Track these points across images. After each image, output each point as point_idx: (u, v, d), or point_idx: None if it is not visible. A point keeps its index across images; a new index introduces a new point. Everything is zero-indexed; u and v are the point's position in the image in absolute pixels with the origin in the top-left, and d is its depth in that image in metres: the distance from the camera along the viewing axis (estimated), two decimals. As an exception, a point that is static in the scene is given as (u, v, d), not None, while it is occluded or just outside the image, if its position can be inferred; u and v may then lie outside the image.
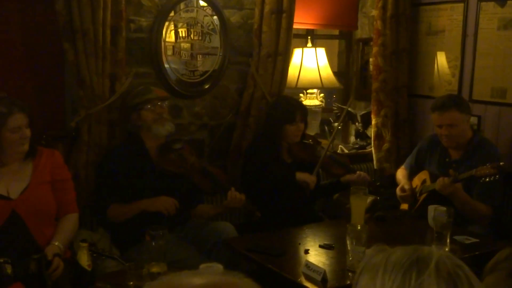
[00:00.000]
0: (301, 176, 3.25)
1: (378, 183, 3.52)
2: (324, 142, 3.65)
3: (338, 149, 4.34)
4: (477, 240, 2.76)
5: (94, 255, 2.40)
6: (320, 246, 2.64)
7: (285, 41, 3.60)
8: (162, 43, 3.38)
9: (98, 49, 2.98)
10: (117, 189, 2.94)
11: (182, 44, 3.49)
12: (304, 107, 3.53)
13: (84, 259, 2.06)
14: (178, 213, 2.97)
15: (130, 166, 2.98)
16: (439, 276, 0.90)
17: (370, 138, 4.30)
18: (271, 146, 3.37)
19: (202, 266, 1.98)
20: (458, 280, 0.91)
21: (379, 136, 4.18)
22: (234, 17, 3.61)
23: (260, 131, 3.54)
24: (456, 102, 3.24)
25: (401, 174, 3.60)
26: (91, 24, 2.93)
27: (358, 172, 3.36)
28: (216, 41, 3.57)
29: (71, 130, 3.08)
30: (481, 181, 2.93)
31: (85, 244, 2.07)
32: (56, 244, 2.38)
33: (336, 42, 4.83)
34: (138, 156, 3.02)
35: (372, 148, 4.23)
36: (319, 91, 4.21)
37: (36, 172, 2.51)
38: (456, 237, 2.72)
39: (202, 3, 3.50)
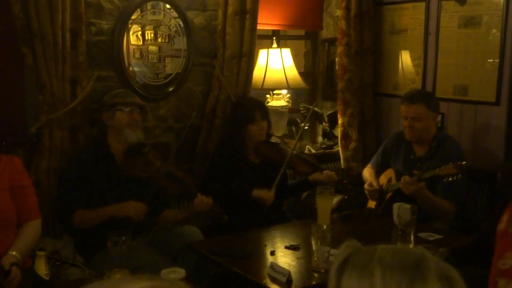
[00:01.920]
0: (258, 193, 3.22)
1: (345, 181, 3.53)
2: (292, 143, 3.65)
3: (305, 149, 4.34)
4: (441, 236, 2.79)
5: (57, 263, 2.34)
6: (286, 247, 2.64)
7: (249, 42, 3.59)
8: (125, 45, 3.34)
9: (58, 52, 2.93)
10: (82, 195, 2.89)
11: (149, 47, 3.45)
12: (263, 106, 3.53)
13: (41, 268, 2.01)
14: (144, 218, 2.93)
15: (95, 170, 2.94)
16: (440, 280, 0.91)
17: (337, 137, 4.32)
18: (236, 148, 3.36)
19: (163, 271, 1.96)
20: (455, 283, 0.93)
21: (345, 136, 4.20)
22: (197, 18, 3.58)
23: (225, 134, 3.53)
24: (425, 97, 3.29)
25: (367, 172, 3.63)
26: (50, 27, 2.87)
27: (325, 171, 3.36)
28: (180, 43, 3.54)
29: (32, 136, 3.02)
30: (444, 180, 2.97)
31: (42, 253, 2.02)
32: (14, 253, 2.32)
33: (302, 43, 4.84)
34: (103, 160, 2.98)
35: (339, 148, 4.25)
36: (287, 91, 4.22)
37: None
38: (420, 234, 2.75)
39: (166, 5, 3.46)
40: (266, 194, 3.22)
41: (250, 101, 3.50)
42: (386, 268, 0.92)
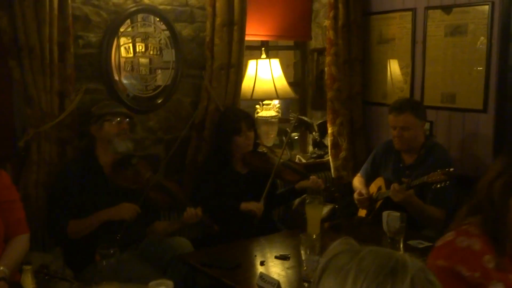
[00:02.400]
0: (246, 205, 3.21)
1: (333, 189, 3.54)
2: (280, 152, 3.66)
3: (296, 159, 4.35)
4: (431, 244, 2.78)
5: (46, 277, 2.33)
6: (276, 257, 2.63)
7: (237, 53, 3.60)
8: (113, 58, 3.35)
9: (45, 66, 2.93)
10: (73, 206, 2.89)
11: (140, 59, 3.46)
12: (249, 116, 3.53)
13: (28, 283, 2.00)
14: (134, 230, 2.93)
15: (84, 183, 2.93)
16: (416, 286, 0.90)
17: (327, 147, 4.33)
18: (224, 159, 3.36)
19: (151, 283, 1.95)
20: None
21: (335, 145, 4.22)
22: (185, 30, 3.60)
23: (212, 145, 3.53)
24: (413, 106, 3.31)
25: (357, 181, 3.64)
26: (37, 40, 2.88)
27: (311, 177, 3.36)
28: (168, 55, 3.55)
29: (20, 150, 3.01)
30: (433, 187, 2.99)
31: (28, 267, 2.01)
32: (1, 268, 2.30)
33: (291, 53, 4.86)
34: (92, 172, 2.98)
35: (329, 157, 4.26)
36: (279, 101, 4.23)
37: None
38: (410, 242, 2.75)
39: (157, 19, 3.48)
40: (255, 206, 3.20)
41: (235, 112, 3.50)
42: (361, 271, 0.92)
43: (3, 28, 2.84)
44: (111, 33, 3.29)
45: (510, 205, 1.66)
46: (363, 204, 3.42)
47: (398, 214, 2.66)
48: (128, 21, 3.38)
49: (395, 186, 3.07)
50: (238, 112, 3.50)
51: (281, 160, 3.38)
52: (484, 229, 1.68)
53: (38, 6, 2.86)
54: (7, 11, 2.83)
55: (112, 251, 2.24)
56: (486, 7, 3.47)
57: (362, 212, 3.49)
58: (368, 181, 3.56)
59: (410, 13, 3.92)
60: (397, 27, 4.04)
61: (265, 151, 3.49)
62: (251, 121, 3.46)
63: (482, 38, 3.51)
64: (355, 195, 3.46)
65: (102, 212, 2.88)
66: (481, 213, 1.72)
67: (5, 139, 3.10)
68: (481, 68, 3.54)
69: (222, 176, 3.32)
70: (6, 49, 2.88)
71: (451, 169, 2.92)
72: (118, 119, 3.03)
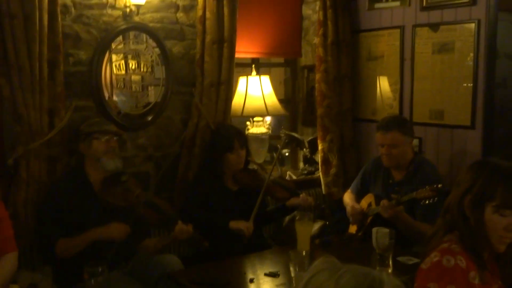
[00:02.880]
0: (236, 224, 3.19)
1: (323, 206, 3.54)
2: (270, 168, 3.67)
3: (286, 176, 4.36)
4: (420, 260, 2.79)
5: (34, 296, 2.32)
6: (266, 274, 2.63)
7: (227, 70, 3.63)
8: (104, 75, 3.36)
9: (35, 83, 2.93)
10: (62, 225, 2.87)
11: (133, 76, 3.47)
12: (242, 134, 3.54)
13: (15, 302, 1.99)
14: (124, 247, 2.91)
15: (74, 200, 2.92)
16: None
17: (318, 163, 4.34)
18: (215, 176, 3.36)
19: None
20: None
21: (326, 161, 4.23)
22: (176, 47, 3.62)
23: (203, 161, 3.53)
24: (399, 123, 3.33)
25: (348, 197, 3.64)
26: (27, 58, 2.88)
27: (301, 195, 3.37)
28: (159, 72, 3.57)
29: (9, 167, 3.00)
30: (421, 203, 3.00)
31: (15, 286, 2.00)
32: None
33: (282, 70, 4.90)
34: (81, 190, 2.97)
35: (320, 173, 4.27)
36: (270, 118, 4.25)
37: None
38: (400, 258, 2.76)
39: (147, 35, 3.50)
40: (244, 225, 3.18)
41: (228, 130, 3.51)
42: None
43: (-8, 47, 2.85)
44: (101, 50, 3.30)
45: (483, 218, 1.69)
46: (356, 218, 3.42)
47: (387, 230, 2.67)
48: (120, 38, 3.40)
49: (384, 202, 3.08)
50: (231, 129, 3.51)
51: (271, 177, 3.39)
52: (463, 245, 1.70)
53: (28, 24, 2.87)
54: (-3, 29, 2.84)
55: (100, 269, 2.23)
56: (472, 25, 3.52)
57: (353, 229, 3.49)
58: (358, 198, 3.57)
59: (398, 30, 3.97)
60: (386, 45, 4.08)
61: (256, 169, 3.50)
62: (244, 139, 3.47)
63: (468, 55, 3.56)
64: (349, 209, 3.46)
65: (92, 231, 2.86)
66: (457, 229, 1.74)
67: (-6, 156, 3.09)
68: (468, 85, 3.58)
69: (212, 192, 3.32)
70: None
71: (440, 185, 2.94)
72: (107, 137, 3.03)
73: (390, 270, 2.53)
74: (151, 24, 3.48)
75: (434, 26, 3.74)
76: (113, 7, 3.33)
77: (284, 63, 4.80)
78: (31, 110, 2.95)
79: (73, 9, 3.19)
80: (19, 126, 2.94)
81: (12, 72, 2.87)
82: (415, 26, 3.86)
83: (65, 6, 3.15)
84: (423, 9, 3.80)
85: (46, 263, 3.00)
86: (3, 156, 3.07)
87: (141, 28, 3.46)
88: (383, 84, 4.15)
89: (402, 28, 3.95)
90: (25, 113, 2.93)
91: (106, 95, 3.38)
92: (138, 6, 3.37)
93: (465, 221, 1.71)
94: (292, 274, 2.37)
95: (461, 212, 1.73)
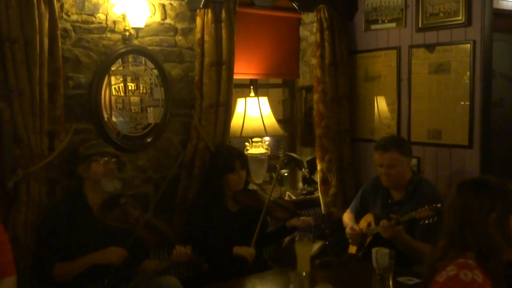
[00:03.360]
0: (238, 250, 3.19)
1: (323, 226, 3.54)
2: (270, 188, 3.67)
3: (286, 196, 4.37)
4: (420, 280, 2.78)
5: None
6: (266, 296, 2.62)
7: (226, 92, 3.66)
8: (107, 98, 3.39)
9: (35, 107, 2.96)
10: (61, 248, 2.87)
11: (131, 98, 3.50)
12: (243, 155, 3.56)
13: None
14: (123, 269, 2.91)
15: (73, 223, 2.92)
16: None
17: (317, 183, 4.35)
18: (215, 197, 3.37)
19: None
20: None
21: (325, 181, 4.24)
22: (175, 70, 3.65)
23: (203, 182, 3.54)
24: (397, 143, 3.35)
25: (347, 217, 3.64)
26: (27, 83, 2.91)
27: (302, 217, 3.38)
28: (158, 93, 3.60)
29: (9, 190, 3.00)
30: (421, 223, 3.00)
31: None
32: None
33: (280, 90, 4.93)
34: (80, 212, 2.97)
35: (319, 193, 4.28)
36: (269, 139, 4.27)
37: None
38: (400, 278, 2.75)
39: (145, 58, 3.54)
40: (246, 252, 3.18)
41: (229, 150, 3.52)
42: None
43: (-7, 71, 2.88)
44: (101, 73, 3.33)
45: (494, 237, 1.75)
46: (355, 239, 3.42)
47: (387, 250, 2.66)
48: (119, 60, 3.44)
49: (384, 222, 3.08)
50: (232, 150, 3.52)
51: (271, 198, 3.40)
52: (478, 262, 1.76)
53: (29, 49, 2.90)
54: (-2, 54, 2.87)
55: (100, 293, 2.22)
56: (468, 46, 3.56)
57: (352, 249, 3.49)
58: (357, 217, 3.57)
59: (394, 51, 4.02)
60: (383, 65, 4.13)
61: (256, 189, 3.51)
62: (245, 160, 3.49)
63: (464, 75, 3.60)
64: (348, 230, 3.45)
65: (90, 255, 2.86)
66: (471, 249, 1.79)
67: (-6, 180, 3.10)
68: (465, 104, 3.61)
69: (212, 213, 3.32)
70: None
71: (439, 205, 2.94)
72: (105, 158, 3.04)
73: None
74: (150, 47, 3.52)
75: (430, 47, 3.79)
76: (113, 31, 3.37)
77: (282, 84, 4.84)
78: (31, 133, 2.97)
79: (73, 33, 3.23)
80: (19, 149, 2.96)
81: (12, 95, 2.90)
82: (411, 46, 3.91)
83: (65, 30, 3.18)
84: (419, 30, 3.85)
85: (44, 286, 2.99)
86: (3, 179, 3.08)
87: (140, 51, 3.50)
88: (381, 104, 4.18)
89: (398, 48, 4.00)
90: (25, 136, 2.95)
91: (105, 116, 3.40)
92: (137, 30, 3.41)
93: (478, 241, 1.78)
94: (292, 296, 2.36)
95: (473, 233, 1.80)
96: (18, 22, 2.87)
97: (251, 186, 3.53)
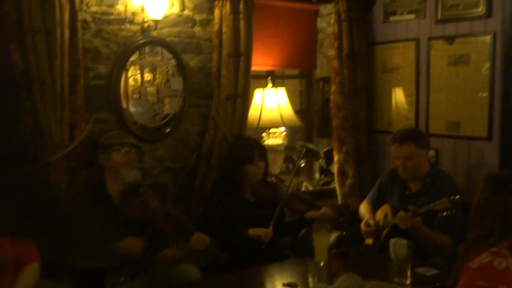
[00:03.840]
0: (254, 231, 3.22)
1: (341, 219, 3.55)
2: (287, 180, 3.68)
3: (302, 187, 4.38)
4: (438, 271, 2.79)
5: (56, 306, 2.35)
6: (284, 285, 2.63)
7: (243, 83, 3.67)
8: (124, 88, 3.42)
9: (56, 97, 3.00)
10: None
11: (148, 88, 3.53)
12: (262, 146, 3.57)
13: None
14: (142, 258, 2.94)
15: (93, 212, 2.95)
16: None
17: (333, 174, 4.36)
18: (233, 187, 3.39)
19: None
20: None
21: (342, 172, 4.24)
22: (193, 61, 3.67)
23: (221, 172, 3.56)
24: (414, 136, 3.33)
25: (364, 208, 3.64)
26: (49, 73, 2.95)
27: (322, 208, 3.38)
28: (176, 84, 3.62)
29: (31, 179, 3.05)
30: (439, 215, 3.00)
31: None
32: None
33: (297, 81, 4.93)
34: (100, 201, 3.01)
35: (336, 184, 4.28)
36: (285, 129, 4.28)
37: None
38: (418, 269, 2.75)
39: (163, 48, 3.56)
40: (263, 231, 3.21)
41: (248, 141, 3.54)
42: None
43: (15, 62, 2.91)
44: (120, 64, 3.37)
45: None
46: (371, 235, 3.42)
47: (405, 241, 2.66)
48: (137, 51, 3.46)
49: (401, 213, 3.08)
50: (251, 141, 3.54)
51: (289, 190, 3.41)
52: None
53: (50, 40, 2.94)
54: (19, 45, 2.91)
55: (122, 279, 2.26)
56: (488, 38, 3.53)
57: (369, 240, 3.49)
58: (374, 208, 3.57)
59: (413, 43, 3.99)
60: (401, 57, 4.10)
61: (274, 181, 3.52)
62: (264, 151, 3.50)
63: (484, 67, 3.57)
64: (362, 226, 3.45)
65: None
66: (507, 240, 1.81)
67: (16, 169, 3.14)
68: (485, 96, 3.58)
69: (230, 203, 3.34)
70: (17, 81, 2.94)
71: (457, 197, 2.94)
72: (126, 149, 3.08)
73: (408, 282, 2.53)
74: (168, 39, 3.54)
75: (449, 39, 3.76)
76: (132, 22, 3.39)
77: (299, 75, 4.84)
78: (52, 123, 3.01)
79: (93, 24, 3.26)
80: (41, 139, 3.00)
81: (34, 86, 2.94)
82: (430, 38, 3.88)
83: (85, 21, 3.22)
84: (438, 22, 3.82)
85: (65, 272, 3.04)
86: (24, 169, 3.12)
87: (159, 42, 3.52)
88: (398, 96, 4.16)
89: (417, 40, 3.97)
90: (47, 126, 2.99)
91: (124, 107, 3.43)
92: (156, 21, 3.43)
93: None
94: (311, 285, 2.38)
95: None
96: (39, 13, 2.90)
97: (270, 178, 3.55)
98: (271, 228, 3.24)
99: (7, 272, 2.48)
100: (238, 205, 3.37)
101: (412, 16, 4.01)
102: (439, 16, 3.81)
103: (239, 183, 3.40)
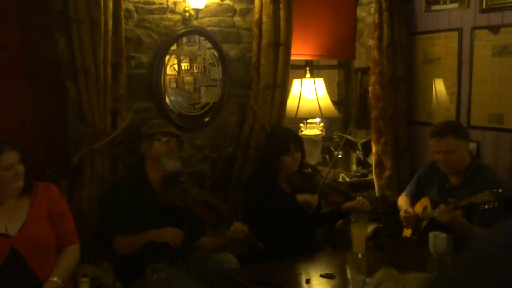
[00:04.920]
0: (302, 197, 3.25)
1: (378, 210, 3.53)
2: (325, 171, 3.68)
3: (339, 178, 4.36)
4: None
5: (98, 289, 2.42)
6: (322, 276, 2.65)
7: (283, 73, 3.66)
8: (163, 78, 3.46)
9: (100, 86, 3.05)
10: (122, 222, 2.97)
11: (185, 78, 3.57)
12: (298, 137, 3.57)
13: (85, 294, 2.09)
14: (181, 246, 2.99)
15: (134, 199, 3.02)
16: None
17: (371, 165, 4.32)
18: (269, 177, 3.40)
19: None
20: None
21: (379, 164, 4.21)
22: (232, 51, 3.69)
23: (258, 163, 3.58)
24: (453, 128, 3.27)
25: (402, 200, 3.61)
26: (92, 62, 3.01)
27: (357, 198, 3.37)
28: (215, 74, 3.64)
29: (74, 166, 3.13)
30: (480, 208, 2.94)
31: (86, 279, 2.10)
32: (55, 279, 2.41)
33: (335, 72, 4.90)
34: (141, 189, 3.07)
35: (373, 176, 4.25)
36: (320, 120, 4.26)
37: (33, 207, 2.55)
38: (457, 264, 2.72)
39: (201, 37, 3.59)
40: (311, 197, 3.24)
41: (285, 132, 3.54)
42: None
43: (60, 51, 2.98)
44: (162, 53, 3.40)
45: None
46: (410, 222, 3.38)
47: (445, 235, 2.64)
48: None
49: (442, 206, 3.03)
50: (288, 133, 3.54)
51: (326, 181, 3.40)
52: None
53: (94, 29, 2.99)
54: (65, 33, 2.97)
55: (162, 266, 2.31)
56: (535, 27, 3.44)
57: (407, 232, 3.46)
58: (413, 201, 3.53)
59: (456, 33, 3.91)
60: (443, 47, 4.03)
61: (310, 172, 3.52)
62: (300, 142, 3.49)
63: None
64: (402, 213, 3.43)
65: (148, 232, 2.94)
66: None
67: (60, 155, 3.23)
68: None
69: (267, 193, 3.36)
70: (63, 70, 3.02)
71: (500, 190, 2.88)
72: (167, 138, 3.12)
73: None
74: (208, 28, 3.56)
75: (494, 29, 3.67)
76: (173, 11, 3.42)
77: (337, 65, 4.80)
78: (95, 111, 3.07)
79: (135, 13, 3.30)
80: (84, 126, 3.07)
81: (78, 74, 3.00)
82: (474, 28, 3.79)
83: (128, 11, 3.26)
84: (483, 11, 3.73)
85: (107, 258, 3.12)
86: (68, 155, 3.21)
87: (199, 31, 3.54)
88: (439, 87, 4.09)
89: (460, 30, 3.89)
90: (90, 114, 3.06)
91: (165, 97, 3.48)
92: (197, 11, 3.45)
93: None
94: (349, 277, 2.38)
95: None
96: (84, 3, 2.95)
97: (306, 169, 3.55)
98: (317, 195, 3.26)
99: (50, 255, 2.56)
100: (275, 195, 3.38)
101: (455, 5, 3.92)
102: (484, 5, 3.72)
103: (275, 174, 3.41)
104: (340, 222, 3.89)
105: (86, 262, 3.01)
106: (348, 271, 2.38)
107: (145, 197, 3.05)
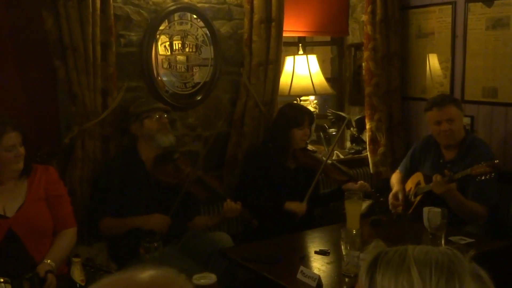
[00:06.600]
0: (290, 205, 3.25)
1: (378, 194, 3.53)
2: (319, 149, 3.68)
3: (334, 155, 4.34)
4: (473, 240, 2.76)
5: (92, 270, 2.40)
6: (316, 252, 2.65)
7: (275, 50, 3.62)
8: (154, 57, 3.41)
9: (89, 65, 3.00)
10: (112, 202, 2.95)
11: (177, 57, 3.52)
12: (312, 113, 3.59)
13: (77, 274, 2.07)
14: (175, 225, 2.98)
15: (126, 178, 3.00)
16: (474, 279, 0.93)
17: (365, 142, 4.31)
18: (278, 151, 3.38)
19: (195, 276, 1.99)
20: (487, 283, 0.94)
21: (374, 140, 4.19)
22: (223, 28, 3.63)
23: (267, 136, 3.56)
24: (453, 98, 3.33)
25: (395, 178, 3.60)
26: (81, 40, 2.95)
27: (360, 181, 3.38)
28: (207, 52, 3.60)
29: (65, 147, 3.10)
30: (477, 179, 2.93)
31: (77, 260, 2.09)
32: (48, 261, 2.40)
33: (328, 48, 4.85)
34: (134, 168, 3.05)
35: (368, 153, 4.24)
36: (314, 97, 4.23)
37: (31, 189, 2.53)
38: (452, 238, 2.72)
39: (193, 15, 3.53)
40: (298, 207, 3.24)
41: (299, 107, 3.61)
42: (423, 266, 0.92)
43: (48, 29, 2.92)
44: (151, 31, 3.35)
45: None
46: (397, 208, 3.38)
47: (439, 210, 2.64)
48: (166, 19, 3.44)
49: (437, 177, 3.01)
50: (303, 107, 3.62)
51: (331, 161, 3.41)
52: None
53: (82, 7, 2.93)
54: (52, 12, 2.91)
55: (155, 245, 2.29)
56: (529, -1, 3.39)
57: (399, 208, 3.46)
58: (406, 177, 3.53)
59: (450, 6, 3.86)
60: (437, 21, 3.98)
61: (315, 150, 3.54)
62: (313, 119, 3.51)
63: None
64: (390, 198, 3.42)
65: (135, 218, 2.93)
66: None
67: (51, 136, 3.19)
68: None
69: (268, 169, 3.34)
70: (51, 49, 2.96)
71: (496, 161, 2.87)
72: (157, 114, 3.08)
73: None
74: (199, 5, 3.51)
75: (488, 1, 3.62)
76: (163, -12, 3.36)
77: (330, 42, 4.76)
78: (85, 90, 3.02)
79: (123, -10, 3.24)
80: (74, 106, 3.03)
81: (67, 53, 2.94)
82: (468, 1, 3.75)
83: (115, -13, 3.20)
84: (477, -17, 3.69)
85: (100, 239, 3.10)
86: (59, 136, 3.17)
87: (190, 8, 3.49)
88: (433, 62, 4.06)
89: (454, 3, 3.84)
90: (80, 93, 3.01)
91: (156, 75, 3.43)
92: (186, -13, 3.40)
93: None
94: (343, 252, 2.37)
95: None
96: (71, -20, 2.89)
97: (310, 147, 3.57)
98: (305, 203, 3.25)
99: (47, 237, 2.55)
100: (278, 169, 3.37)
101: (449, -22, 3.87)
102: (478, -23, 3.68)
103: (284, 148, 3.39)
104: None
105: (80, 243, 2.99)
106: (343, 247, 2.37)
107: (137, 176, 3.04)
